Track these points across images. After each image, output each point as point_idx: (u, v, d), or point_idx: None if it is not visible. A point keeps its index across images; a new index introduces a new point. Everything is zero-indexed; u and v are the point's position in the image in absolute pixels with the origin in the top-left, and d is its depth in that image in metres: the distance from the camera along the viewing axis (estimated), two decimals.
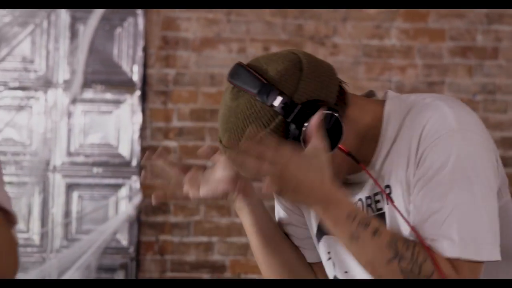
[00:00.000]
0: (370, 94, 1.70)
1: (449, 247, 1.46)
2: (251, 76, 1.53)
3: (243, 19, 4.38)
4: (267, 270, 1.77)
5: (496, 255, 1.48)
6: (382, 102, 1.63)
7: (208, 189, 1.68)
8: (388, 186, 1.58)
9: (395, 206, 1.54)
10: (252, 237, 1.75)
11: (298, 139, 1.51)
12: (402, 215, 1.53)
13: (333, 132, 1.52)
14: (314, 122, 1.49)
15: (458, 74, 4.43)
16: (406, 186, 1.55)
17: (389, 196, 1.56)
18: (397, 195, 1.56)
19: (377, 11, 4.40)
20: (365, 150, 1.59)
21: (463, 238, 1.46)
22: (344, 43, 4.42)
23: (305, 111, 1.50)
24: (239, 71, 1.55)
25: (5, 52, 4.26)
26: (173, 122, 4.33)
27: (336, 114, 1.51)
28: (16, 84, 4.27)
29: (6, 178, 4.09)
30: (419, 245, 1.47)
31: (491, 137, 1.58)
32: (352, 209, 1.50)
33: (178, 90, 4.35)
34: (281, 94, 1.51)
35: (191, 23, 4.37)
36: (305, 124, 1.50)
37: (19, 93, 4.27)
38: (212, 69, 4.36)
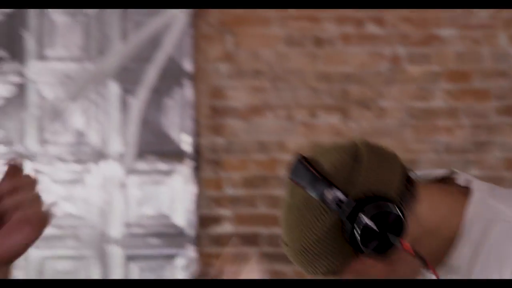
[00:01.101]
0: (449, 176, 1.53)
1: None
2: (304, 169, 1.42)
3: (289, 86, 4.44)
4: None
5: None
6: (462, 197, 1.48)
7: None
8: None
9: None
10: None
11: (354, 239, 1.37)
12: None
13: (394, 229, 1.38)
14: None
15: (506, 133, 4.45)
16: None
17: None
18: None
19: (420, 72, 4.45)
20: (436, 248, 1.46)
21: None
22: (389, 106, 4.46)
23: (361, 208, 1.37)
24: (294, 164, 1.45)
25: (58, 126, 4.34)
26: (226, 190, 4.38)
27: (398, 213, 1.37)
28: (71, 158, 4.34)
29: (64, 252, 4.20)
30: None
31: None
32: None
33: (228, 158, 4.40)
34: (334, 188, 1.39)
35: (238, 91, 4.43)
36: (360, 222, 1.37)
37: (74, 166, 4.34)
38: (261, 136, 4.42)
